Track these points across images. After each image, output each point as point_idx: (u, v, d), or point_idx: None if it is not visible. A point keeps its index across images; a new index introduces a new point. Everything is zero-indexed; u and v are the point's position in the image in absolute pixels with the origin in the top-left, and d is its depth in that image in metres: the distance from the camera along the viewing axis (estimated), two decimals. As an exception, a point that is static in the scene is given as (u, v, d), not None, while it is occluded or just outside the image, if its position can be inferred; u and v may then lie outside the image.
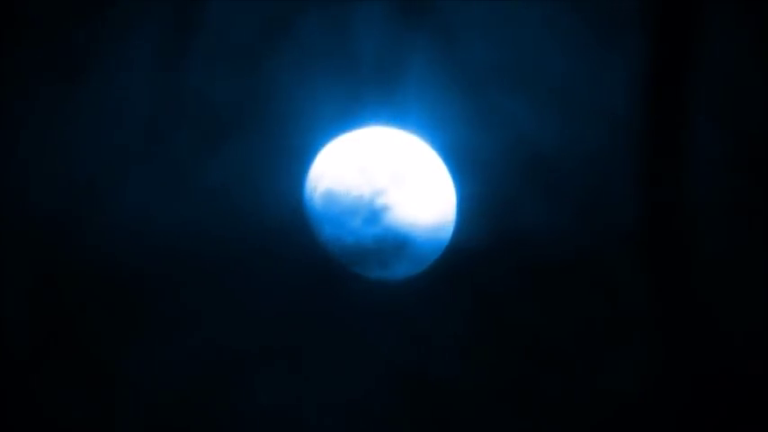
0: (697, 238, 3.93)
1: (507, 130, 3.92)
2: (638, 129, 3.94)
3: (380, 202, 3.77)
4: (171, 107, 3.92)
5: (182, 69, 3.92)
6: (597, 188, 3.94)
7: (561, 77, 3.92)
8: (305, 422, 3.92)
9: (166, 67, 3.93)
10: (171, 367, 3.88)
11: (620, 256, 3.93)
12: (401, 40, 3.90)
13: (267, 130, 3.90)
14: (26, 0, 3.94)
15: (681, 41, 3.93)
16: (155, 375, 3.88)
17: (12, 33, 3.94)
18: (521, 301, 3.92)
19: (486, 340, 3.92)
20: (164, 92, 3.92)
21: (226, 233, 3.89)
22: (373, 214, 3.77)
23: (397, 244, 3.79)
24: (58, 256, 3.90)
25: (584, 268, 3.93)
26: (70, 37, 3.94)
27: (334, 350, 3.91)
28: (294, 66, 3.91)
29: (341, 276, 3.86)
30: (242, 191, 3.89)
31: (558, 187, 3.93)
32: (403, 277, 3.87)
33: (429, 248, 3.84)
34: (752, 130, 3.92)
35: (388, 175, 3.79)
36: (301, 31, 3.91)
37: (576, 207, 3.93)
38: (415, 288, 3.91)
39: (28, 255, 3.91)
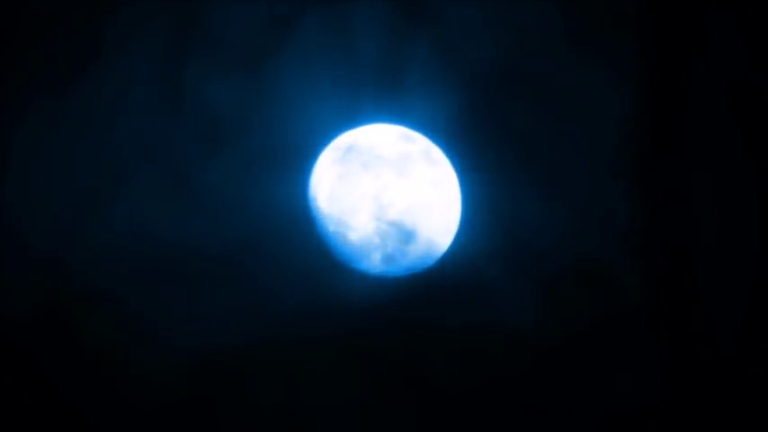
0: (697, 238, 3.94)
1: (508, 129, 3.93)
2: (638, 129, 3.95)
3: (383, 199, 3.77)
4: (171, 108, 3.92)
5: (182, 70, 3.92)
6: (598, 188, 3.95)
7: (562, 78, 3.94)
8: (305, 420, 3.91)
9: (167, 68, 3.93)
10: (173, 366, 3.87)
11: (621, 256, 3.94)
12: (401, 39, 3.91)
13: (269, 129, 3.91)
14: (26, 2, 3.93)
15: (681, 41, 3.95)
16: (157, 374, 3.87)
17: (10, 35, 3.94)
18: (521, 301, 3.92)
19: (487, 340, 3.92)
20: (164, 93, 3.92)
21: (229, 233, 3.88)
22: (377, 212, 3.77)
23: (400, 241, 3.79)
24: (58, 259, 3.89)
25: (584, 268, 3.93)
26: (70, 39, 3.94)
27: (334, 348, 3.91)
28: (295, 65, 3.92)
29: (344, 274, 3.86)
30: (244, 190, 3.89)
31: (560, 187, 3.94)
32: (406, 274, 3.87)
33: (433, 246, 3.84)
34: (752, 130, 3.94)
35: (391, 173, 3.79)
36: (301, 32, 3.92)
37: (576, 207, 3.94)
38: (417, 287, 3.91)
39: (27, 259, 3.90)
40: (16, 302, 3.88)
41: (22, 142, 3.93)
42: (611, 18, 3.95)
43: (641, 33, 3.95)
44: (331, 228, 3.80)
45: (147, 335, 3.88)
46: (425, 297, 3.91)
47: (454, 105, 3.91)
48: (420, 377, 3.93)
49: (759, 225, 3.93)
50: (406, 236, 3.80)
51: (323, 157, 3.85)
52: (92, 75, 3.92)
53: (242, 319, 3.88)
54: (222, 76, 3.92)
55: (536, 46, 3.94)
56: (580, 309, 3.93)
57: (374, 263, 3.82)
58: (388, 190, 3.78)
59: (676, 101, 3.95)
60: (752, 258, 3.93)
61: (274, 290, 3.88)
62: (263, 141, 3.90)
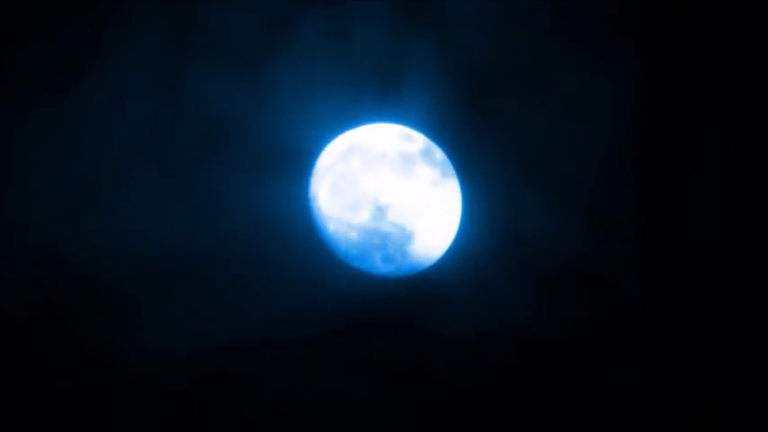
0: (697, 238, 3.94)
1: (508, 129, 3.93)
2: (638, 129, 3.95)
3: (383, 199, 3.77)
4: (171, 108, 3.92)
5: (181, 70, 3.93)
6: (598, 188, 3.95)
7: (562, 78, 3.94)
8: (304, 420, 3.91)
9: (166, 68, 3.93)
10: (173, 366, 3.87)
11: (621, 256, 3.94)
12: (401, 39, 3.91)
13: (269, 128, 3.91)
14: (26, 2, 3.94)
15: (680, 41, 3.95)
16: (157, 373, 3.87)
17: (11, 35, 3.94)
18: (521, 301, 3.92)
19: (487, 339, 3.92)
20: (164, 93, 3.92)
21: (228, 233, 3.89)
22: (376, 212, 3.77)
23: (400, 241, 3.79)
24: (58, 259, 3.89)
25: (584, 268, 3.93)
26: (70, 39, 3.94)
27: (334, 348, 3.91)
28: (294, 66, 3.92)
29: (344, 274, 3.86)
30: (244, 190, 3.89)
31: (560, 187, 3.94)
32: (406, 274, 3.87)
33: (432, 245, 3.85)
34: (751, 129, 3.94)
35: (391, 173, 3.80)
36: (301, 32, 3.92)
37: (576, 207, 3.94)
38: (417, 287, 3.91)
39: (27, 258, 3.90)
40: (16, 302, 3.88)
41: (23, 142, 3.93)
42: (611, 18, 3.95)
43: (642, 33, 3.96)
44: (331, 228, 3.81)
45: (146, 334, 3.88)
46: (425, 297, 3.92)
47: (454, 105, 3.91)
48: (419, 377, 3.93)
49: (758, 225, 3.93)
50: (406, 236, 3.80)
51: (323, 156, 3.85)
52: (92, 75, 3.92)
53: (241, 318, 3.88)
54: (222, 76, 3.92)
55: (537, 46, 3.94)
56: (580, 308, 3.93)
57: (374, 263, 3.83)
58: (388, 190, 3.78)
59: (675, 101, 3.96)
60: (751, 258, 3.93)
61: (274, 289, 3.88)
62: (263, 141, 3.90)
